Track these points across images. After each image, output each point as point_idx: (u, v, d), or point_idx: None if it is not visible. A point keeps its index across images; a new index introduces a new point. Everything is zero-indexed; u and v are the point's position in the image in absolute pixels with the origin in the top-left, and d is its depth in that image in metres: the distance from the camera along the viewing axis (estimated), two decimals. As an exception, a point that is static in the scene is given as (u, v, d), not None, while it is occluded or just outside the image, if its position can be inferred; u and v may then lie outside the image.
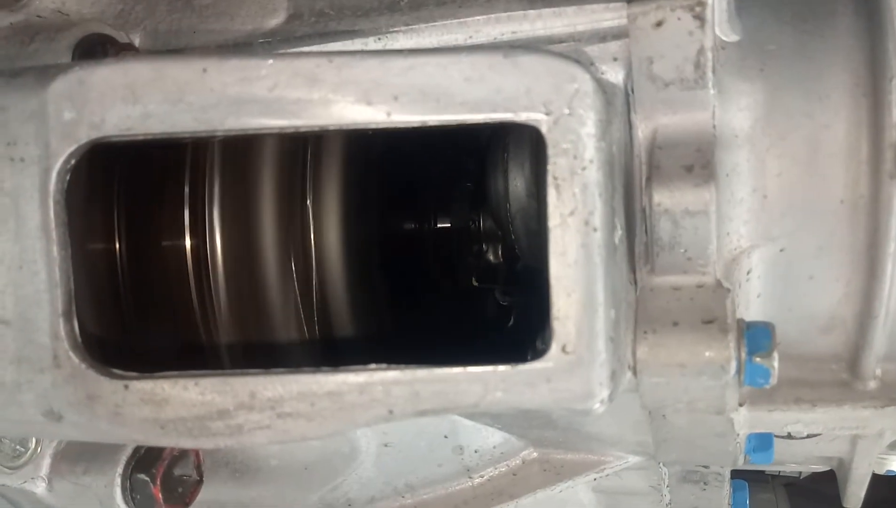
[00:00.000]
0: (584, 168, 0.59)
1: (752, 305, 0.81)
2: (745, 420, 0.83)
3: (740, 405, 0.81)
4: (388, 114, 0.60)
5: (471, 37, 0.80)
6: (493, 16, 0.79)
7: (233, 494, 1.02)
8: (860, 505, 1.08)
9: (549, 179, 0.59)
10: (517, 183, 0.94)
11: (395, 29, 0.81)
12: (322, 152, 0.93)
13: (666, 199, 0.68)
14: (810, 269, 0.79)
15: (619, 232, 0.63)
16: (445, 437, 1.01)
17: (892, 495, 1.74)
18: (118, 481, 0.85)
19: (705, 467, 0.98)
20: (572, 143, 0.59)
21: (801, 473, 2.07)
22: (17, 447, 0.87)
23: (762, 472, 2.04)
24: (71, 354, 0.62)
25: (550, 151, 0.59)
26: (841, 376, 0.82)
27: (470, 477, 1.03)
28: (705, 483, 1.01)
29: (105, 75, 0.61)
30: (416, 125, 0.60)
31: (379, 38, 0.82)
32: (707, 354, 0.65)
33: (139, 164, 0.87)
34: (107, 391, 0.62)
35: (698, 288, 0.70)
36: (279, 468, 1.01)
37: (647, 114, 0.71)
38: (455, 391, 0.60)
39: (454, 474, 1.03)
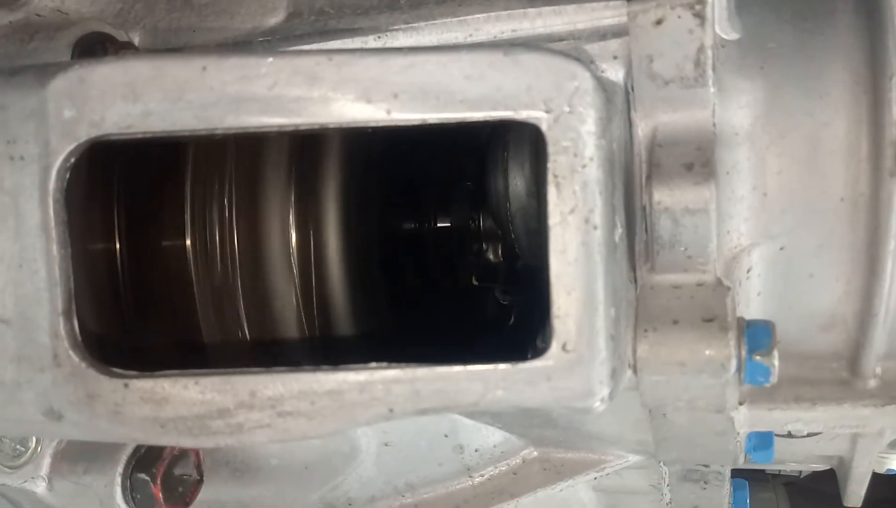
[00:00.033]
0: (584, 166, 0.59)
1: (752, 303, 0.80)
2: (746, 419, 0.83)
3: (740, 403, 0.81)
4: (388, 112, 0.60)
5: (471, 35, 0.80)
6: (493, 14, 0.79)
7: (233, 493, 1.02)
8: (860, 504, 1.08)
9: (550, 177, 0.59)
10: (517, 182, 0.94)
11: (395, 27, 0.81)
12: (322, 152, 0.92)
13: (666, 197, 0.68)
14: (810, 267, 0.78)
15: (620, 230, 0.63)
16: (446, 436, 1.01)
17: (892, 494, 1.74)
18: (118, 480, 0.85)
19: (706, 466, 0.98)
20: (572, 140, 0.59)
21: (801, 472, 2.07)
22: (18, 446, 0.87)
23: (762, 471, 2.04)
24: (71, 353, 0.62)
25: (551, 149, 0.59)
26: (841, 374, 0.82)
27: (470, 476, 1.03)
28: (706, 482, 1.01)
29: (105, 73, 0.61)
30: (415, 123, 0.60)
31: (379, 37, 0.82)
32: (707, 352, 0.65)
33: (139, 163, 0.87)
34: (107, 389, 0.62)
35: (698, 286, 0.70)
36: (279, 467, 1.01)
37: (647, 112, 0.71)
38: (455, 389, 0.60)
39: (454, 473, 1.03)
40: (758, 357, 0.66)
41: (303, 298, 0.89)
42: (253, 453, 1.01)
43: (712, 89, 0.69)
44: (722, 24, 0.73)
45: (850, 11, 0.78)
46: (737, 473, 1.11)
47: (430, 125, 0.60)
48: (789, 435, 0.99)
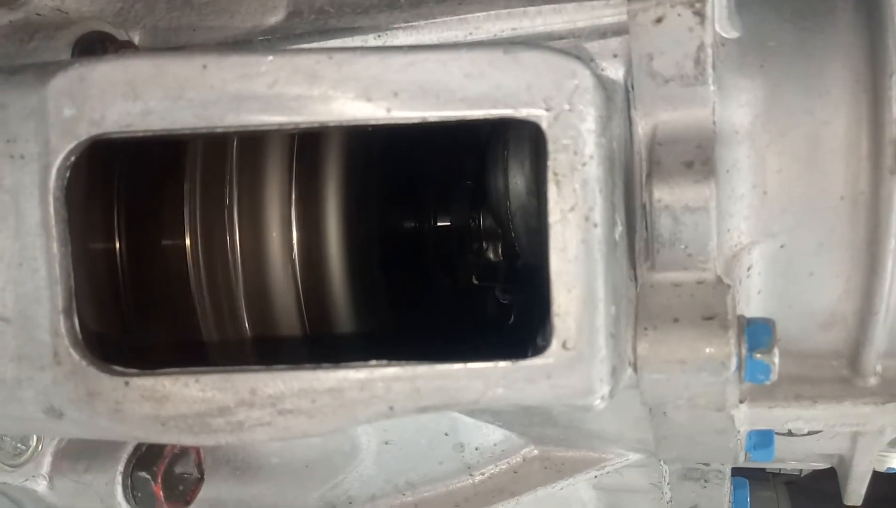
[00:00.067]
0: (584, 164, 0.59)
1: (752, 301, 0.80)
2: (746, 417, 0.83)
3: (741, 401, 0.81)
4: (388, 110, 0.60)
5: (471, 34, 0.80)
6: (493, 12, 0.79)
7: (234, 492, 1.02)
8: (861, 503, 1.08)
9: (550, 175, 0.59)
10: (517, 181, 0.94)
11: (395, 26, 0.81)
12: (322, 151, 0.93)
13: (666, 195, 0.68)
14: (810, 265, 0.78)
15: (620, 228, 0.63)
16: (446, 435, 1.01)
17: (892, 492, 1.74)
18: (119, 479, 0.85)
19: (706, 464, 0.98)
20: (572, 138, 0.59)
21: (801, 471, 2.07)
22: (19, 445, 0.87)
23: (763, 470, 2.04)
24: (71, 351, 0.62)
25: (551, 147, 0.59)
26: (841, 372, 0.82)
27: (471, 475, 1.03)
28: (706, 481, 1.01)
29: (105, 72, 0.61)
30: (415, 121, 0.60)
31: (379, 36, 0.82)
32: (707, 350, 0.65)
33: (139, 162, 0.87)
34: (107, 387, 0.62)
35: (699, 284, 0.70)
36: (280, 466, 1.01)
37: (647, 110, 0.71)
38: (456, 387, 0.60)
39: (455, 471, 1.03)
40: (758, 355, 0.66)
41: (303, 296, 0.89)
42: (254, 451, 1.01)
43: (712, 88, 0.69)
44: (722, 23, 0.73)
45: (850, 10, 0.78)
46: (737, 472, 1.11)
47: (430, 123, 0.60)
48: (790, 434, 0.99)
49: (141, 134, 0.61)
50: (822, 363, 0.82)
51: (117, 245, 0.85)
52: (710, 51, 0.67)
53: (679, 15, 0.66)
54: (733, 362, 0.65)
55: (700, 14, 0.66)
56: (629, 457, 1.01)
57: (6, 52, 0.85)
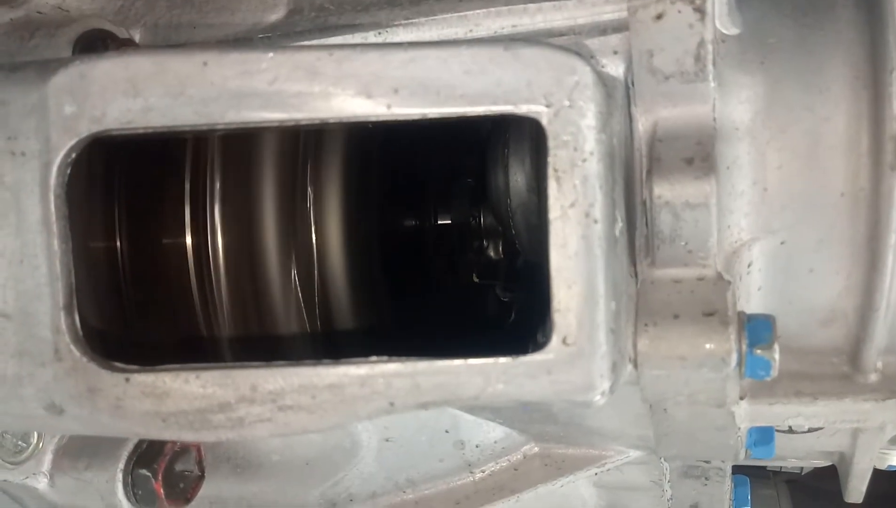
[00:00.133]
0: (584, 160, 0.59)
1: (752, 298, 0.81)
2: (746, 414, 0.83)
3: (741, 398, 0.81)
4: (389, 107, 0.60)
5: (471, 31, 0.80)
6: (493, 9, 0.79)
7: (234, 489, 1.02)
8: (861, 500, 1.08)
9: (550, 171, 0.59)
10: (518, 178, 0.94)
11: (396, 23, 0.81)
12: (323, 148, 0.93)
13: (666, 191, 0.68)
14: (811, 262, 0.79)
15: (620, 224, 0.63)
16: (446, 432, 1.01)
17: (893, 491, 1.74)
18: (120, 476, 0.85)
19: (706, 462, 0.98)
20: (573, 135, 0.59)
21: (802, 469, 2.07)
22: (19, 442, 0.87)
23: (764, 468, 2.04)
24: (72, 347, 0.62)
25: (551, 144, 0.59)
26: (842, 369, 0.82)
27: (471, 472, 1.04)
28: (706, 479, 1.01)
29: (106, 69, 0.61)
30: (416, 118, 0.60)
31: (379, 33, 0.82)
32: (708, 346, 0.65)
33: (140, 160, 0.88)
34: (108, 384, 0.62)
35: (699, 281, 0.70)
36: (280, 463, 1.01)
37: (648, 107, 0.71)
38: (456, 383, 0.60)
39: (455, 469, 1.03)
40: (758, 351, 0.66)
41: (304, 294, 0.89)
42: (254, 449, 1.01)
43: (712, 84, 0.69)
44: (722, 19, 0.73)
45: (851, 6, 0.78)
46: (738, 469, 1.11)
47: (431, 120, 0.60)
48: (790, 431, 0.99)
49: (141, 131, 0.62)
50: (823, 359, 0.82)
51: (118, 242, 0.85)
52: (710, 47, 0.67)
53: (679, 11, 0.66)
54: (733, 358, 0.65)
55: (700, 10, 0.66)
56: (630, 454, 1.01)
57: (7, 49, 0.85)
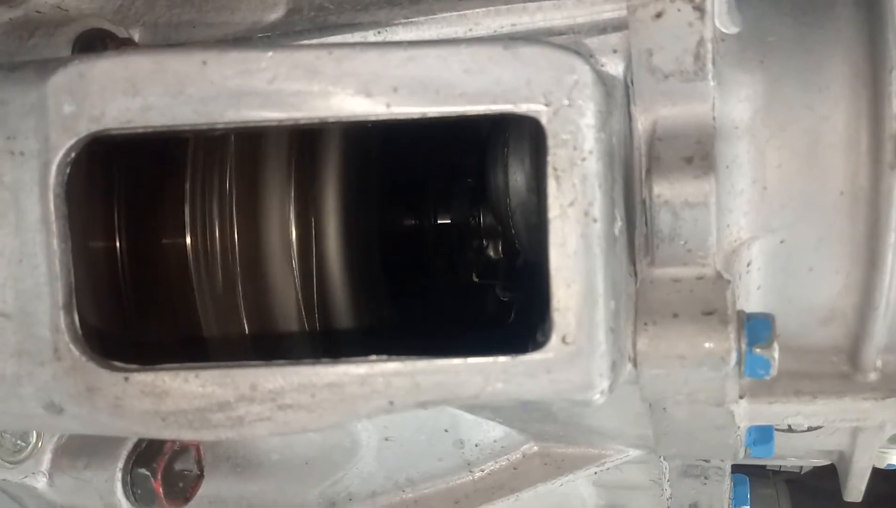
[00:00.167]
0: (583, 159, 0.59)
1: (752, 297, 0.81)
2: (746, 413, 0.83)
3: (740, 397, 0.81)
4: (388, 106, 0.60)
5: (470, 29, 0.80)
6: (492, 8, 0.79)
7: (234, 489, 1.02)
8: (861, 499, 1.08)
9: (549, 170, 0.59)
10: (517, 177, 0.94)
11: (395, 22, 0.81)
12: (322, 148, 0.93)
13: (666, 190, 0.68)
14: (810, 260, 0.79)
15: (619, 223, 0.63)
16: (446, 431, 1.01)
17: (892, 490, 1.74)
18: (119, 475, 0.85)
19: (706, 461, 0.98)
20: (572, 134, 0.59)
21: (801, 468, 2.07)
22: (18, 441, 0.87)
23: (763, 467, 2.04)
24: (71, 346, 0.62)
25: (550, 142, 0.59)
26: (841, 367, 0.82)
27: (471, 471, 1.04)
28: (706, 478, 1.01)
29: (105, 68, 0.61)
30: (415, 117, 0.60)
31: (378, 32, 0.82)
32: (707, 345, 0.65)
33: (140, 159, 0.88)
34: (107, 383, 0.62)
35: (698, 280, 0.70)
36: (280, 462, 1.01)
37: (647, 106, 0.71)
38: (455, 382, 0.60)
39: (455, 468, 1.03)
40: (758, 350, 0.66)
41: (303, 293, 0.89)
42: (253, 448, 1.01)
43: (712, 83, 0.69)
44: (721, 18, 0.73)
45: (850, 4, 0.78)
46: (737, 468, 1.11)
47: (430, 119, 0.60)
48: (789, 430, 0.99)
49: (141, 130, 0.61)
50: (822, 358, 0.82)
51: (117, 242, 0.85)
52: (709, 46, 0.67)
53: (679, 10, 0.66)
54: (733, 357, 0.65)
55: (700, 9, 0.66)
56: (629, 454, 1.01)
57: (6, 49, 0.85)
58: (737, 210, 0.77)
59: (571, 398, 0.60)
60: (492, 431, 1.02)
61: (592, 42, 0.75)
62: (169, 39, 0.90)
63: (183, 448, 0.88)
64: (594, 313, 0.59)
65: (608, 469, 1.03)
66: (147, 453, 0.86)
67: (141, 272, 0.87)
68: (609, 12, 0.76)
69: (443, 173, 1.25)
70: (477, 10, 0.80)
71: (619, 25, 0.75)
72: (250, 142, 0.88)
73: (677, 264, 0.71)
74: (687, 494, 1.04)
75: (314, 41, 0.83)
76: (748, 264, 0.79)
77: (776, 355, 0.67)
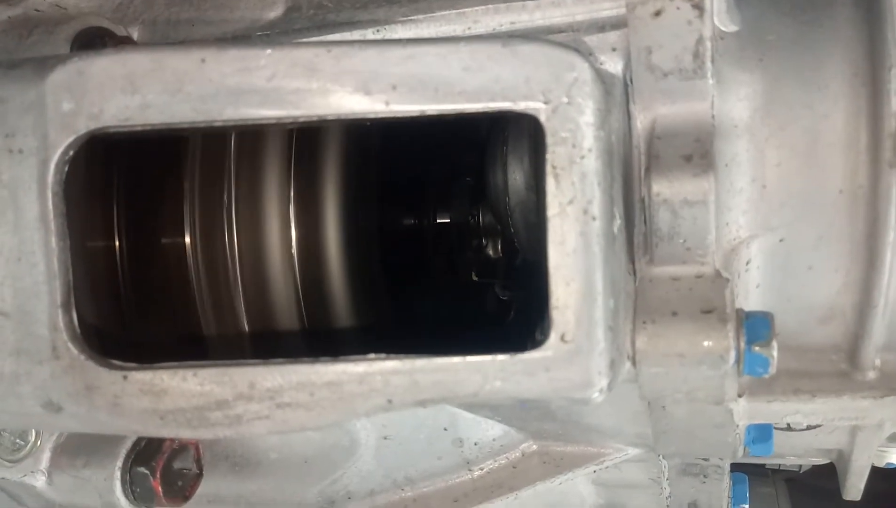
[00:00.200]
0: (582, 157, 0.59)
1: (751, 295, 0.80)
2: (745, 411, 0.83)
3: (739, 395, 0.81)
4: (387, 103, 0.60)
5: (469, 28, 0.80)
6: (491, 6, 0.79)
7: (232, 488, 1.02)
8: (860, 498, 1.08)
9: (548, 168, 0.59)
10: (516, 176, 0.94)
11: (394, 20, 0.81)
12: (322, 146, 0.93)
13: (665, 189, 0.68)
14: (809, 259, 0.78)
15: (618, 222, 0.63)
16: (445, 430, 1.01)
17: (892, 489, 1.74)
18: (118, 474, 0.85)
19: (705, 459, 0.98)
20: (571, 132, 0.59)
21: (800, 467, 2.07)
22: (17, 440, 0.87)
23: (762, 466, 2.04)
24: (70, 345, 0.62)
25: (549, 140, 0.59)
26: (840, 366, 0.82)
27: (470, 470, 1.04)
28: (705, 476, 1.01)
29: (104, 66, 0.61)
30: (414, 115, 0.60)
31: (378, 30, 0.82)
32: (706, 343, 0.65)
33: (139, 158, 0.87)
34: (105, 381, 0.62)
35: (697, 278, 0.70)
36: (279, 461, 1.01)
37: (646, 104, 0.71)
38: (454, 380, 0.60)
39: (454, 466, 1.03)
40: (757, 348, 0.66)
41: (302, 292, 0.89)
42: (252, 447, 1.01)
43: (711, 81, 0.69)
44: (721, 16, 0.73)
45: (849, 3, 0.78)
46: (737, 467, 1.11)
47: (429, 117, 0.60)
48: (788, 428, 0.99)
49: (140, 128, 0.61)
50: (821, 357, 0.82)
51: (116, 240, 0.85)
52: (708, 44, 0.67)
53: (678, 8, 0.66)
54: (732, 355, 0.65)
55: (699, 7, 0.66)
56: (628, 452, 1.01)
57: (5, 47, 0.85)
58: (736, 209, 0.77)
59: (570, 397, 0.60)
60: (491, 429, 1.02)
61: (591, 40, 0.75)
62: (168, 38, 0.90)
63: (182, 447, 0.88)
64: (593, 311, 0.59)
65: (607, 467, 1.03)
66: (146, 451, 0.86)
67: (140, 271, 0.87)
68: (608, 10, 0.76)
69: (442, 172, 1.25)
70: (476, 7, 0.80)
71: (618, 23, 0.75)
72: (250, 141, 0.88)
73: (676, 263, 0.71)
74: (686, 492, 1.04)
75: (313, 39, 0.83)
76: (747, 263, 0.79)
77: (775, 353, 0.67)
